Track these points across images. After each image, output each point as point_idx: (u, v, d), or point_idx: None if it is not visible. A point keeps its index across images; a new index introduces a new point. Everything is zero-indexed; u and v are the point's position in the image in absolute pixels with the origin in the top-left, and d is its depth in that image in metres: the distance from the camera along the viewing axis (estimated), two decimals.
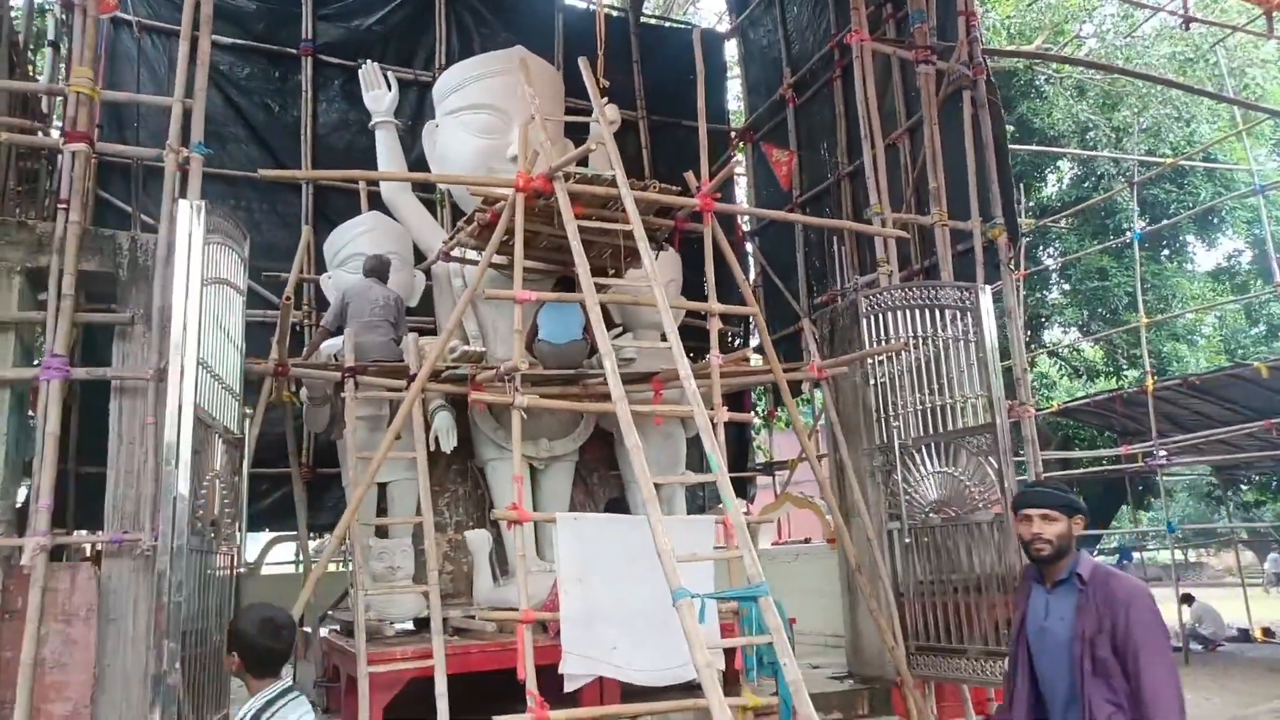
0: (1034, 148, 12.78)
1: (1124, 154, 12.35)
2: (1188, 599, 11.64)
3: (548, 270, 6.28)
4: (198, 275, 3.80)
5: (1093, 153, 12.59)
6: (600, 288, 5.15)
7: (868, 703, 5.75)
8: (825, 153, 9.12)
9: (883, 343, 6.09)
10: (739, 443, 10.01)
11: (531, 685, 4.05)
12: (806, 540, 12.22)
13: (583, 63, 5.75)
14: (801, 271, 9.51)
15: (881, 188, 6.68)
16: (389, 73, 8.20)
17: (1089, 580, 2.72)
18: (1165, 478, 12.54)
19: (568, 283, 6.02)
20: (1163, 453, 10.94)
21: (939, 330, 5.91)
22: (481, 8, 9.56)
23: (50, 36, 7.49)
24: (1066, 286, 14.17)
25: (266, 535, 8.92)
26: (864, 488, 6.19)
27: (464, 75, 6.53)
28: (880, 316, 6.18)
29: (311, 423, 6.07)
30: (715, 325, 5.14)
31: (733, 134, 11.05)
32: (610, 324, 7.14)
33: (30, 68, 7.26)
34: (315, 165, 8.34)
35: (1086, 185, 13.94)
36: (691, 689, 4.19)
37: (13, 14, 6.35)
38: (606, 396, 5.98)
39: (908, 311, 6.09)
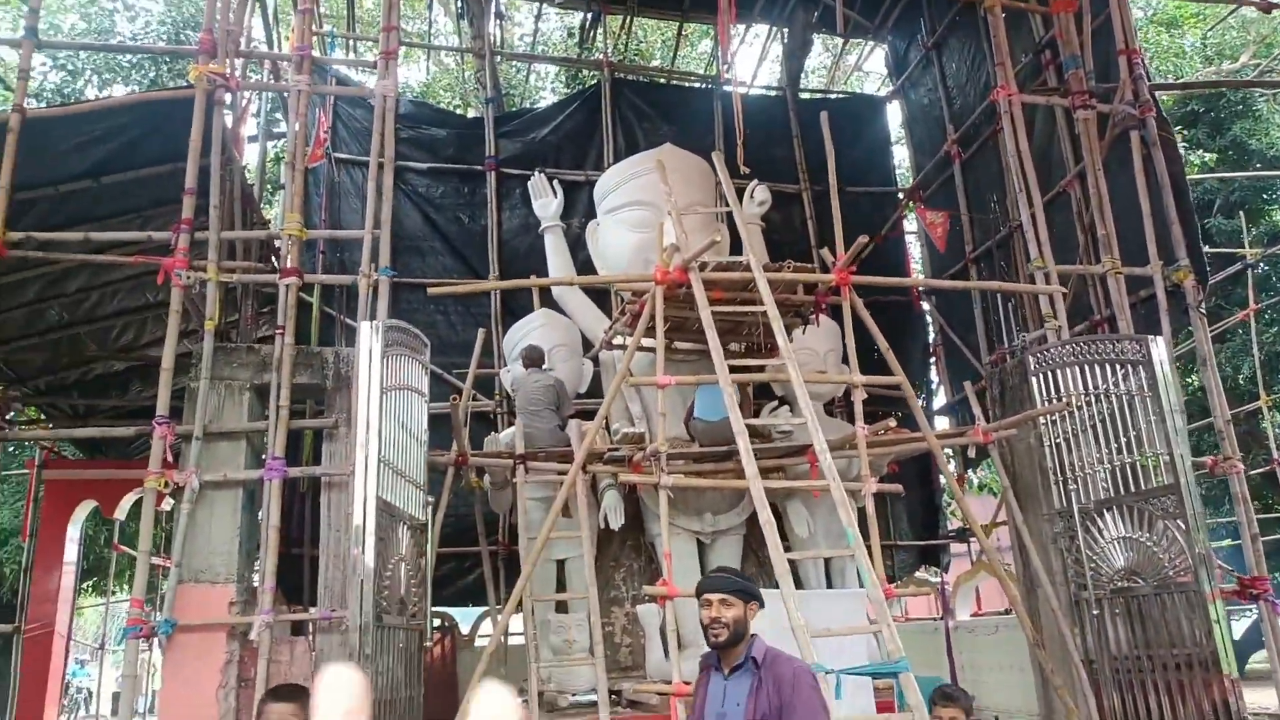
0: (1252, 174, 11.68)
1: None
2: None
3: (704, 350, 6.57)
4: (378, 385, 4.40)
5: None
6: (748, 367, 5.37)
7: None
8: (995, 206, 8.88)
9: (1055, 401, 5.84)
10: (927, 509, 9.69)
11: None
12: (1007, 611, 11.46)
13: (716, 157, 6.07)
14: (981, 328, 9.21)
15: (1043, 241, 6.46)
16: (561, 178, 8.98)
17: (762, 663, 2.73)
18: None
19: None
20: None
21: (1114, 385, 5.61)
22: (644, 105, 10.21)
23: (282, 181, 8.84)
24: None
25: (476, 609, 9.62)
26: (1045, 555, 5.89)
27: (619, 176, 7.05)
28: (1050, 374, 5.93)
29: (496, 505, 6.62)
30: (859, 396, 5.18)
31: (901, 195, 10.98)
32: (773, 397, 7.31)
33: (266, 210, 8.56)
34: (502, 267, 9.18)
35: None
36: None
37: (247, 168, 7.57)
38: (768, 471, 6.18)
39: (1080, 368, 5.81)
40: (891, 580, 10.12)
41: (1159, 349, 5.28)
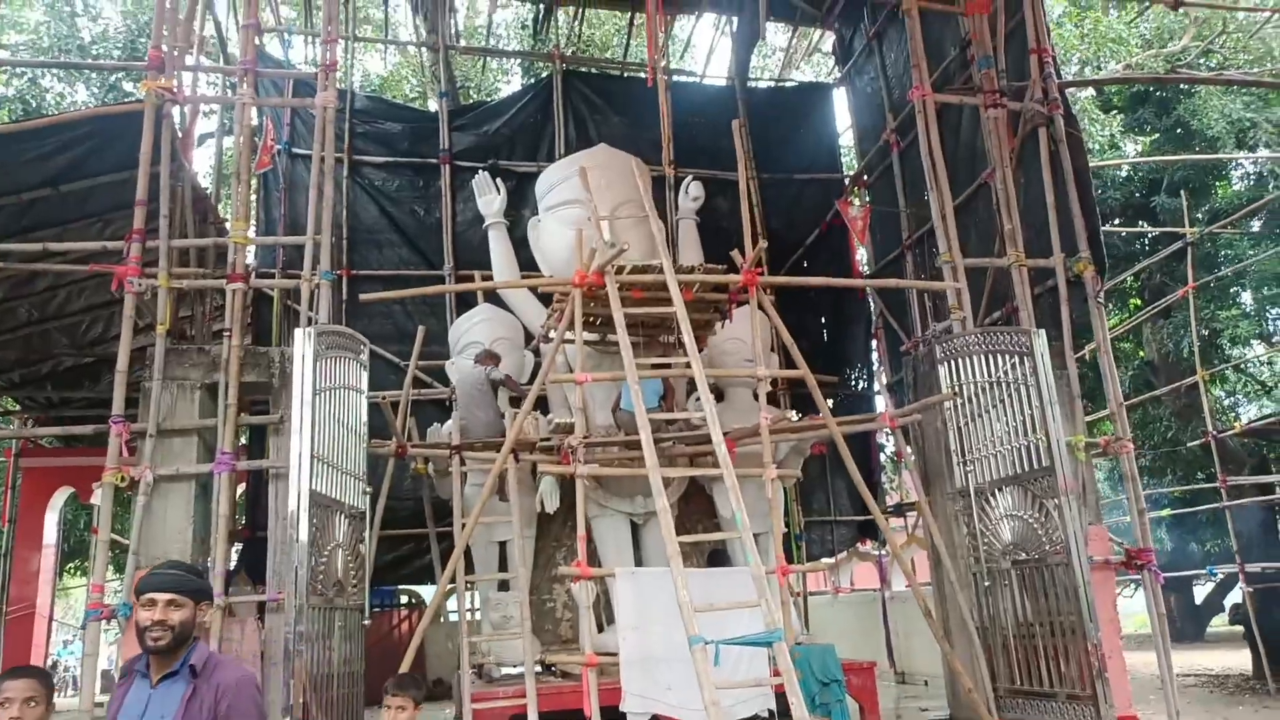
0: (1192, 156, 12.09)
1: None
2: None
3: (638, 343, 6.97)
4: (310, 387, 4.81)
5: (1243, 154, 11.75)
6: (660, 365, 5.80)
7: None
8: (927, 196, 9.26)
9: (960, 388, 6.28)
10: (867, 485, 10.15)
11: None
12: None
13: (635, 163, 6.44)
14: (915, 312, 9.63)
15: (951, 237, 6.87)
16: (514, 170, 9.34)
17: (200, 671, 2.52)
18: None
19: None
20: None
21: (1010, 374, 6.04)
22: (595, 97, 10.52)
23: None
24: (1246, 297, 13.15)
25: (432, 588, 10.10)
26: (948, 531, 6.37)
27: (557, 176, 7.41)
28: (955, 362, 6.37)
29: (442, 491, 7.05)
30: (764, 389, 5.61)
31: (847, 181, 11.35)
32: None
33: (224, 208, 8.88)
34: (456, 258, 9.56)
35: (1257, 186, 12.96)
36: None
37: (204, 176, 7.90)
38: (689, 457, 6.62)
39: (981, 357, 6.25)
40: (831, 554, 10.66)
41: (1040, 341, 5.71)
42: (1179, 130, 13.66)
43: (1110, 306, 17.30)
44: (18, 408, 11.39)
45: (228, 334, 5.73)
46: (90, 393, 10.15)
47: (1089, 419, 12.69)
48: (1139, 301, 15.24)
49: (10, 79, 10.95)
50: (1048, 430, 5.53)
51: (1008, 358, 6.03)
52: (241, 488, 8.72)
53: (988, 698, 5.74)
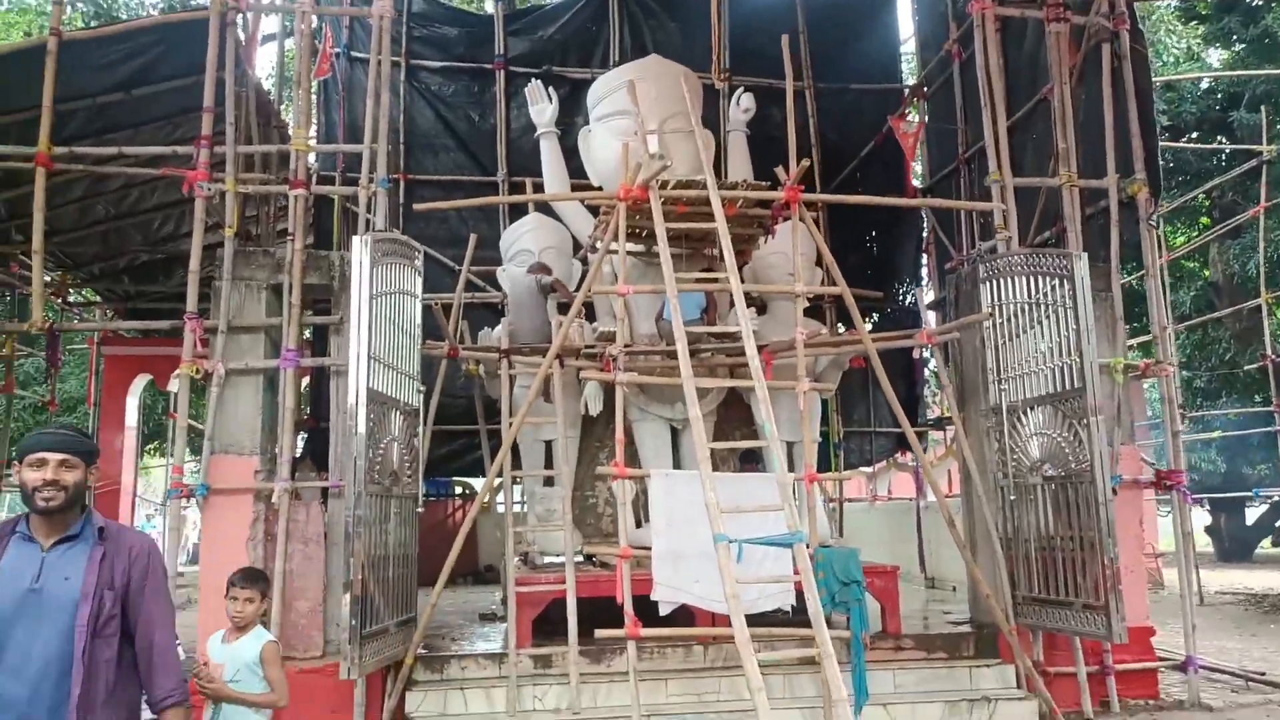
0: (1270, 71, 11.50)
1: None
2: None
3: (684, 255, 7.13)
4: (368, 292, 5.11)
5: None
6: (702, 279, 5.98)
7: (973, 645, 6.17)
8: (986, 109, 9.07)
9: (1001, 308, 6.34)
10: (908, 400, 10.29)
11: (629, 608, 5.09)
12: None
13: (684, 74, 6.46)
14: (967, 233, 9.55)
15: (1001, 157, 6.79)
16: (568, 76, 9.38)
17: (109, 534, 2.53)
18: None
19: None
20: None
21: (1050, 295, 6.08)
22: (650, 1, 10.37)
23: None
24: None
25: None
26: (980, 447, 6.53)
27: (607, 85, 7.45)
28: (997, 282, 6.40)
29: (492, 391, 7.40)
30: (800, 304, 5.76)
31: (906, 91, 11.10)
32: (749, 301, 7.88)
33: (286, 111, 9.12)
34: (510, 165, 9.73)
35: None
36: (764, 618, 5.02)
37: (267, 80, 8.11)
38: (729, 368, 6.84)
39: (1024, 278, 6.27)
40: (869, 463, 10.90)
41: (1080, 265, 5.71)
42: (1266, 40, 12.97)
43: (1179, 224, 16.81)
44: (98, 299, 12.04)
45: (291, 238, 6.04)
46: (164, 286, 10.69)
47: (1143, 340, 12.59)
48: (1208, 220, 14.76)
49: None
50: (1081, 353, 5.60)
51: (1049, 279, 6.04)
52: (306, 381, 9.22)
53: (1006, 604, 5.99)
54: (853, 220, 10.33)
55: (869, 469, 11.55)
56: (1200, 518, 19.83)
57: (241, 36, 6.69)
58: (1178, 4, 12.78)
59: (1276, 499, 14.92)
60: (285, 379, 5.84)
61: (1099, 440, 5.47)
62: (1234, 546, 18.78)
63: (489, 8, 10.70)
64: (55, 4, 6.37)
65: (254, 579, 3.80)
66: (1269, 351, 11.42)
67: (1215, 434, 13.28)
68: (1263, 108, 12.32)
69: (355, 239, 5.22)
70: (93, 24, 10.34)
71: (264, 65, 12.15)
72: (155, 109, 7.39)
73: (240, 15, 6.45)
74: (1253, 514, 19.86)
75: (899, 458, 10.97)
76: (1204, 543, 19.73)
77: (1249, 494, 13.27)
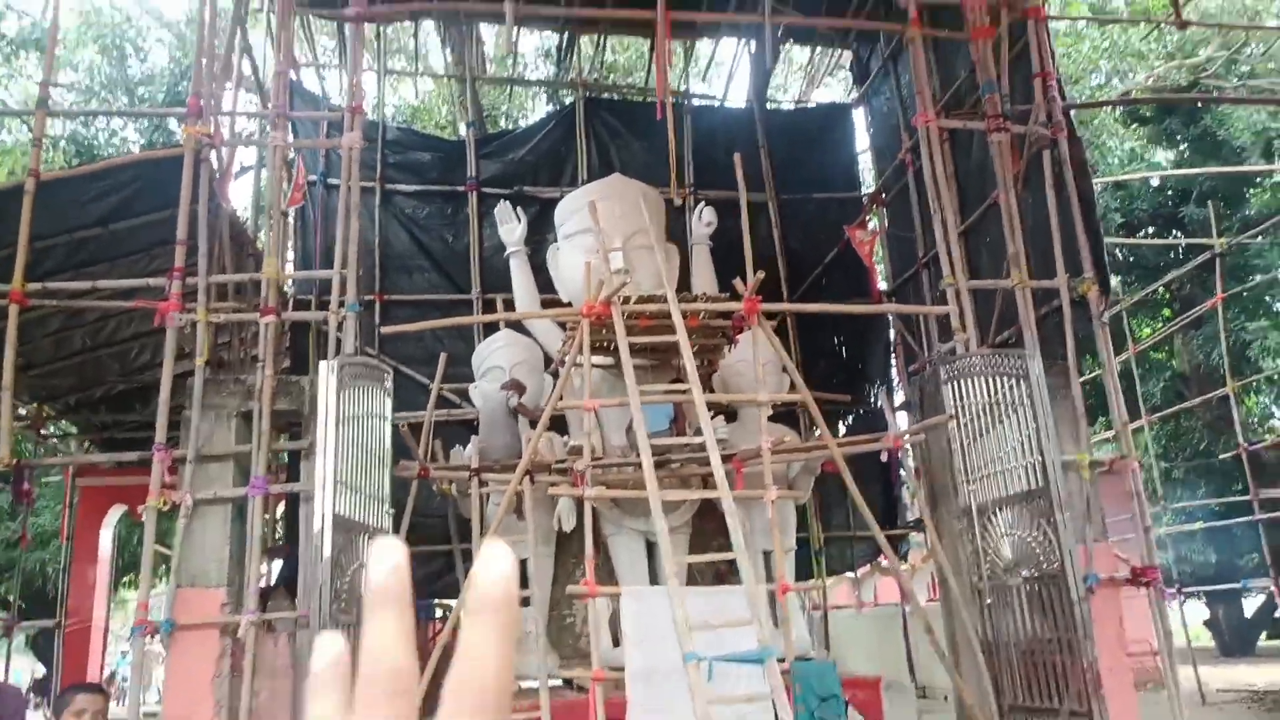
0: (1208, 170, 12.04)
1: None
2: None
3: (652, 366, 7.25)
4: (334, 417, 5.15)
5: (1261, 166, 11.67)
6: (672, 390, 6.06)
7: None
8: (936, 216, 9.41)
9: (965, 408, 6.44)
10: (886, 501, 10.29)
11: None
12: None
13: (644, 192, 6.71)
14: (934, 334, 9.75)
15: (954, 261, 7.02)
16: (539, 196, 9.70)
17: None
18: None
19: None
20: None
21: (1010, 395, 6.19)
22: (617, 123, 10.83)
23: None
24: (1278, 308, 13.02)
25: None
26: (954, 548, 6.51)
27: (572, 204, 7.72)
28: (958, 383, 6.53)
29: (464, 510, 7.37)
30: (765, 412, 5.83)
31: (864, 199, 11.50)
32: (719, 409, 7.97)
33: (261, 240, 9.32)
34: (483, 282, 9.91)
35: None
36: None
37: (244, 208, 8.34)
38: (702, 477, 6.86)
39: (984, 378, 6.40)
40: (851, 569, 10.80)
41: (1034, 364, 5.86)
42: (1206, 140, 13.60)
43: (1143, 317, 17.18)
44: (75, 430, 11.99)
45: (261, 364, 6.10)
46: (140, 415, 10.65)
47: (1111, 435, 12.68)
48: (1170, 312, 15.12)
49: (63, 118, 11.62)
50: (1042, 453, 5.67)
51: (1007, 379, 6.17)
52: (282, 506, 9.14)
53: (991, 714, 5.87)
54: (820, 326, 10.54)
55: (852, 574, 11.42)
56: (1198, 610, 19.50)
57: (217, 170, 6.91)
58: (1121, 110, 13.43)
59: (1271, 590, 14.80)
60: (254, 507, 5.81)
61: (1068, 539, 5.49)
62: (1234, 640, 18.46)
63: (462, 131, 11.08)
64: (34, 146, 6.59)
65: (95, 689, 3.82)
66: (1242, 440, 11.53)
67: (1197, 525, 13.24)
68: (1209, 202, 12.81)
69: (322, 363, 5.30)
70: (74, 162, 10.66)
71: (243, 193, 12.51)
72: (132, 242, 7.56)
73: (214, 150, 6.68)
74: (1251, 605, 19.54)
75: (882, 562, 10.86)
76: (1206, 637, 19.36)
77: (1238, 585, 13.15)
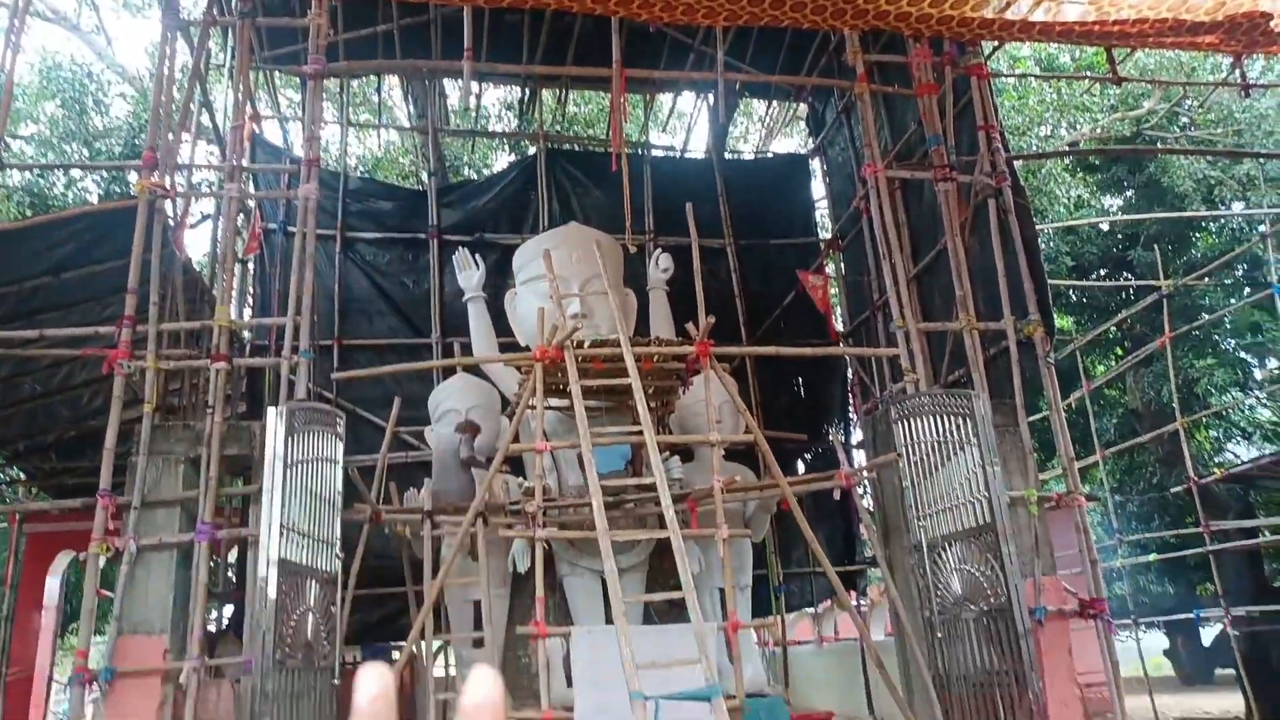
0: (1148, 216, 12.46)
1: (1255, 207, 11.80)
2: None
3: (607, 408, 7.30)
4: (281, 462, 5.14)
5: (1204, 213, 12.10)
6: (629, 432, 6.12)
7: None
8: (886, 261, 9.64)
9: (915, 447, 6.55)
10: (847, 538, 10.36)
11: None
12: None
13: (598, 240, 6.84)
14: (888, 373, 9.92)
15: (904, 304, 7.20)
16: (500, 242, 9.81)
17: None
18: None
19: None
20: None
21: (957, 433, 6.31)
22: (577, 172, 11.01)
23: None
24: (1224, 346, 13.39)
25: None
26: (906, 583, 6.57)
27: (529, 251, 7.82)
28: (909, 422, 6.64)
29: (418, 552, 7.32)
30: (718, 453, 5.90)
31: (821, 245, 11.75)
32: (677, 449, 8.03)
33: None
34: (444, 328, 9.97)
35: (1232, 240, 13.30)
36: None
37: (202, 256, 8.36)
38: (658, 516, 6.89)
39: (933, 417, 6.52)
40: (811, 605, 10.82)
41: (979, 404, 6.00)
42: (1151, 187, 14.08)
43: (1097, 355, 17.56)
44: (23, 476, 11.77)
45: (210, 410, 6.09)
46: (91, 462, 10.50)
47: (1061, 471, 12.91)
48: (1121, 351, 15.48)
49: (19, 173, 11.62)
50: (988, 489, 5.78)
51: (954, 418, 6.30)
52: (235, 552, 9.01)
53: None
54: (780, 367, 10.68)
55: (813, 610, 11.43)
56: (1158, 641, 19.67)
57: (172, 219, 6.95)
58: (1069, 159, 13.88)
59: (1224, 620, 14.99)
60: (199, 552, 5.75)
61: (1014, 572, 5.57)
62: (1194, 669, 18.62)
63: (425, 179, 11.22)
64: None
65: None
66: (1192, 474, 11.75)
67: (1152, 557, 13.42)
68: (1156, 246, 13.22)
69: (270, 409, 5.30)
70: (30, 212, 10.64)
71: (202, 242, 12.51)
72: (85, 290, 7.55)
73: (170, 201, 6.73)
74: (1209, 635, 19.77)
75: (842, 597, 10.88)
76: (1166, 667, 19.51)
77: (1190, 615, 13.30)
